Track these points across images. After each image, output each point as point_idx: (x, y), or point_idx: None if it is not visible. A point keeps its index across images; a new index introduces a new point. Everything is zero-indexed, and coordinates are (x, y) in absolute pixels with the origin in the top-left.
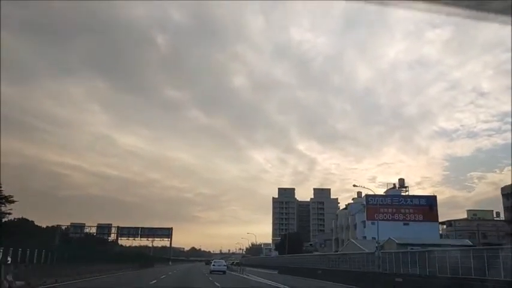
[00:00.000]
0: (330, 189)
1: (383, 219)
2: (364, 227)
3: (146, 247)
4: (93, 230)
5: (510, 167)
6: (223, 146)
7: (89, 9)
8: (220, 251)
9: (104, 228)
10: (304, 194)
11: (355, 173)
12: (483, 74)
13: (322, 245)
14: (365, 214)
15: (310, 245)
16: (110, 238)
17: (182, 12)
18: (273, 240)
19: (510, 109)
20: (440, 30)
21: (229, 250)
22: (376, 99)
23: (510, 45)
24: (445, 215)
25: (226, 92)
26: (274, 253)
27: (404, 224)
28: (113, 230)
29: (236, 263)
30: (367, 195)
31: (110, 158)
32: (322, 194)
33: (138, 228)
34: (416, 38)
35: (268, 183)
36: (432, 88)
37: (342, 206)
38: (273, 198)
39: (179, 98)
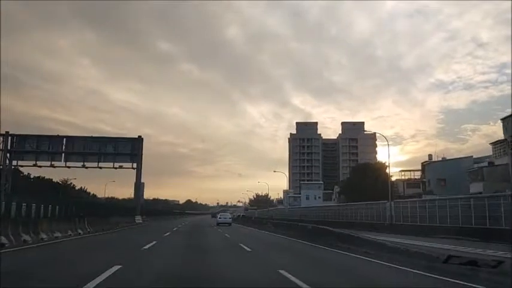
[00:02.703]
0: (363, 122)
1: None
2: None
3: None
4: None
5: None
6: (217, 101)
7: None
8: (218, 203)
9: None
10: None
11: None
12: (483, 23)
13: (442, 183)
14: None
15: None
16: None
17: None
18: (292, 187)
19: (508, 60)
20: None
21: (227, 203)
22: (373, 50)
23: None
24: None
25: (220, 44)
26: (316, 201)
27: None
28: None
29: (243, 215)
30: None
31: (103, 113)
32: (354, 130)
33: (60, 138)
34: None
35: (263, 138)
36: (431, 39)
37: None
38: (291, 134)
39: (172, 51)
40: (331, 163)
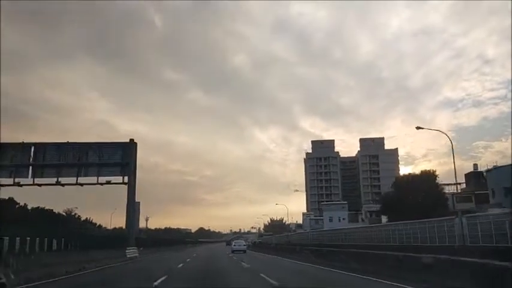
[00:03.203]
0: (383, 138)
1: None
2: None
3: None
4: None
5: None
6: (225, 127)
7: None
8: (231, 230)
9: None
10: None
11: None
12: (488, 40)
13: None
14: None
15: None
16: None
17: None
18: (310, 209)
19: None
20: None
21: (240, 229)
22: (379, 72)
23: None
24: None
25: (227, 71)
26: (340, 223)
27: None
28: None
29: (259, 242)
30: None
31: None
32: (373, 146)
33: (27, 147)
34: (420, 6)
35: (273, 162)
36: (437, 57)
37: (403, 159)
38: (307, 154)
39: (179, 80)
40: (351, 182)
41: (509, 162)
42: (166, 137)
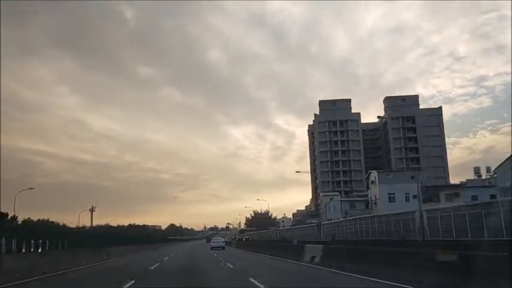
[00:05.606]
0: (417, 96)
1: None
2: None
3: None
4: None
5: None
6: (200, 124)
7: None
8: (205, 227)
9: None
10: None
11: None
12: (460, 38)
13: None
14: None
15: None
16: None
17: None
18: (312, 199)
19: (485, 73)
20: None
21: (216, 226)
22: (354, 68)
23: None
24: None
25: (201, 67)
26: (409, 204)
27: None
28: None
29: (246, 238)
30: None
31: (84, 142)
32: (405, 106)
33: None
34: (394, 4)
35: (247, 159)
36: (410, 54)
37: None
38: (316, 116)
39: (153, 76)
40: (374, 157)
41: (476, 158)
42: (141, 134)
